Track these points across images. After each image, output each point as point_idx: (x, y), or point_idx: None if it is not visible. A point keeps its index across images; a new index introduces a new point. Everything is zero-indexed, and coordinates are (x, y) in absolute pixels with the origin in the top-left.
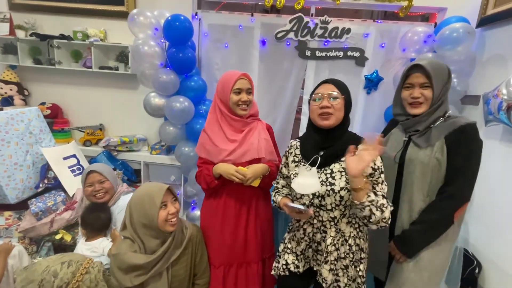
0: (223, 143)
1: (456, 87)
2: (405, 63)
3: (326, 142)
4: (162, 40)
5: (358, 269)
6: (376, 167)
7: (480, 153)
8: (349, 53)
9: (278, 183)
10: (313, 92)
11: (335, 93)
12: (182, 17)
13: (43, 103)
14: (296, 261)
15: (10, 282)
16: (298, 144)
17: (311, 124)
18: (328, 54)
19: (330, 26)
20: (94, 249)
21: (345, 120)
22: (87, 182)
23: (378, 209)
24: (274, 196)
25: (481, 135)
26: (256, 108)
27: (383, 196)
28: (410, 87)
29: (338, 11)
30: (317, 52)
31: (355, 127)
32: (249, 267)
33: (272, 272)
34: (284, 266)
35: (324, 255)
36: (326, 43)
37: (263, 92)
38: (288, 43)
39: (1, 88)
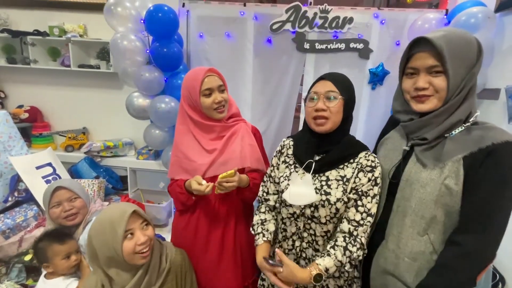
0: (200, 156)
1: None
2: None
3: (322, 146)
4: (144, 34)
5: None
6: (373, 177)
7: None
8: (351, 45)
9: (267, 199)
10: (309, 90)
11: (333, 93)
12: (166, 8)
13: (20, 106)
14: None
15: None
16: (292, 143)
17: (306, 124)
18: (328, 47)
19: (330, 16)
20: None
21: (345, 122)
22: (54, 202)
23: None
24: (256, 229)
25: None
26: (235, 107)
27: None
28: (413, 73)
29: None
30: (316, 44)
31: (359, 126)
32: None
33: None
34: None
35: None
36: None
37: (259, 89)
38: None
39: None
